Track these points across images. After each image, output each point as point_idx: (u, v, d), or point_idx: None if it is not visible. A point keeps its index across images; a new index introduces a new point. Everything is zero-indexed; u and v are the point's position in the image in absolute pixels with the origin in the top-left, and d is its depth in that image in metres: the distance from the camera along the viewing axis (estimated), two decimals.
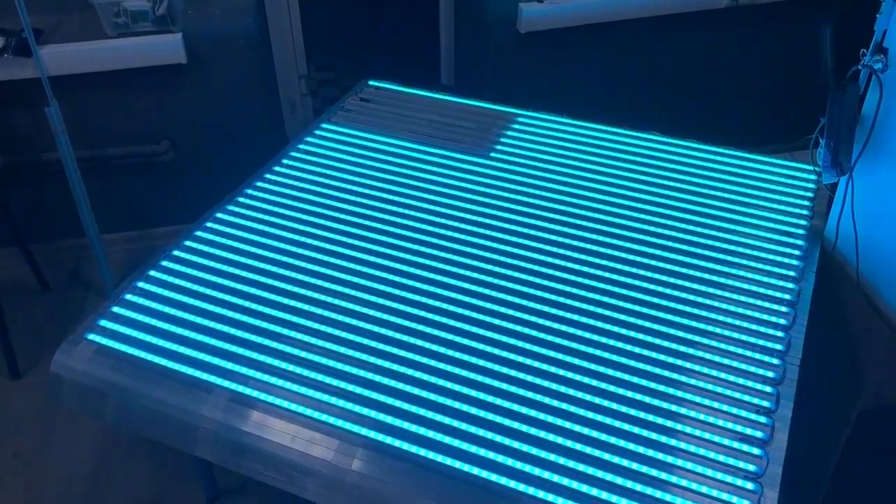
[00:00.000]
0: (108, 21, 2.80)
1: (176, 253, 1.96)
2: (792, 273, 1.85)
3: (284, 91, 3.50)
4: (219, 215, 2.08)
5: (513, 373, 1.62)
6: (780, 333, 1.70)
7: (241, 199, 2.14)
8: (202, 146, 3.20)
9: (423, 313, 1.77)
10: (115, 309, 1.81)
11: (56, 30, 2.84)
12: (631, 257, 1.91)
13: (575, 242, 1.95)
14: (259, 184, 2.20)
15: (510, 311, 1.77)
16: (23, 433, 2.60)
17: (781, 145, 2.52)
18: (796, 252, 1.90)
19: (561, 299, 1.80)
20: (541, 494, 1.41)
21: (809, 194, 2.08)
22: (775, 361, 1.64)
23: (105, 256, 2.93)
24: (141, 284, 1.87)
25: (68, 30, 2.85)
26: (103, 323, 1.78)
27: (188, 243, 1.99)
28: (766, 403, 1.55)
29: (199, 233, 2.02)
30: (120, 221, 3.23)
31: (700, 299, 1.79)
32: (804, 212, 2.02)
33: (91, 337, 1.75)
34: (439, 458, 1.48)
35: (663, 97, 3.38)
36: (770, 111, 3.41)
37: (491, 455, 1.47)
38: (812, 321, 1.79)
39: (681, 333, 1.71)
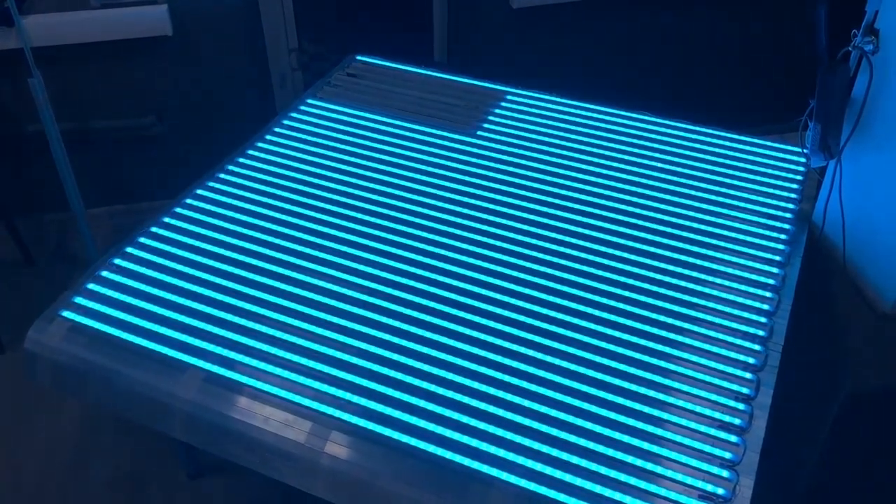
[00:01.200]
0: None
1: (154, 230, 1.93)
2: (777, 258, 1.82)
3: (274, 65, 3.45)
4: (199, 192, 2.05)
5: (491, 356, 1.60)
6: (762, 319, 1.68)
7: (222, 176, 2.11)
8: (189, 120, 3.16)
9: (402, 294, 1.75)
10: (91, 286, 1.79)
11: None
12: (615, 239, 1.88)
13: (558, 224, 1.93)
14: (241, 160, 2.16)
15: (492, 294, 1.74)
16: (3, 407, 2.58)
17: (773, 126, 2.49)
18: (782, 236, 1.87)
19: (542, 281, 1.77)
20: (514, 480, 1.39)
21: (798, 177, 2.05)
22: (757, 348, 1.62)
23: (89, 230, 2.90)
24: (118, 261, 1.85)
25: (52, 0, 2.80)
26: (78, 300, 1.76)
27: (167, 220, 1.96)
28: (745, 390, 1.54)
29: (178, 209, 2.00)
30: (106, 195, 3.20)
31: (683, 283, 1.77)
32: (792, 195, 2.00)
33: (66, 314, 1.73)
34: (415, 442, 1.46)
35: (656, 75, 3.34)
36: (764, 89, 3.37)
37: (467, 440, 1.46)
38: (798, 306, 1.77)
39: (663, 318, 1.69)
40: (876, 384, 1.89)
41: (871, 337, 1.86)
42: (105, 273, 1.82)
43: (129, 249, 1.88)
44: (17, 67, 2.68)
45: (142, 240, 1.90)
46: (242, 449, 1.55)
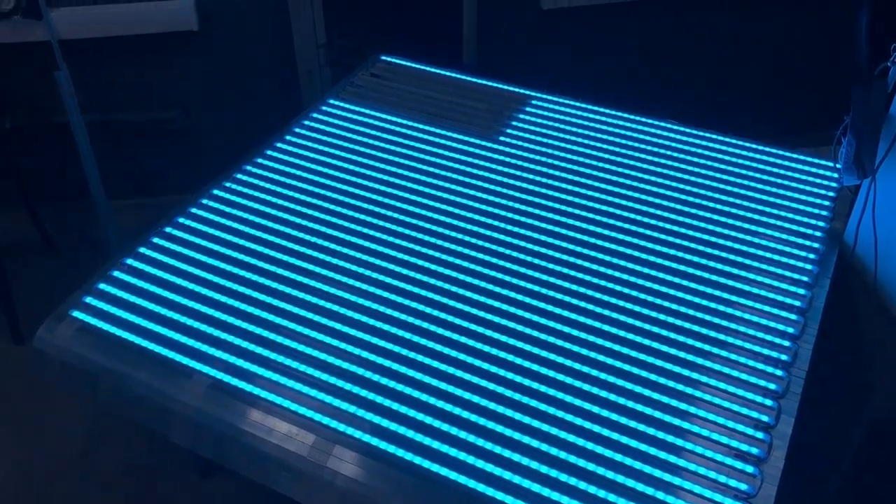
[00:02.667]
0: None
1: (168, 230, 1.91)
2: (805, 278, 1.75)
3: (302, 60, 3.42)
4: (215, 192, 2.03)
5: (508, 374, 1.56)
6: (786, 343, 1.61)
7: (239, 176, 2.08)
8: (214, 114, 3.15)
9: (417, 305, 1.71)
10: (102, 286, 1.78)
11: None
12: (637, 254, 1.82)
13: (579, 236, 1.87)
14: (259, 160, 2.14)
15: (510, 308, 1.69)
16: (20, 397, 2.60)
17: (806, 135, 2.41)
18: (811, 256, 1.80)
19: (560, 296, 1.72)
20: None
21: (831, 194, 1.97)
22: (779, 373, 1.55)
23: (112, 221, 2.91)
24: (130, 261, 1.83)
25: None
26: (89, 300, 1.74)
27: (181, 220, 1.94)
28: (765, 418, 1.47)
29: (193, 209, 1.98)
30: (129, 187, 3.20)
31: (704, 302, 1.70)
32: (823, 212, 1.92)
33: (76, 314, 1.72)
34: (421, 461, 1.42)
35: (690, 80, 3.26)
36: (802, 99, 3.27)
37: (470, 459, 1.42)
38: (825, 328, 1.70)
39: (682, 338, 1.63)
40: None
41: None
42: (117, 273, 1.81)
43: (142, 250, 1.86)
44: (44, 59, 2.68)
45: (155, 240, 1.89)
46: (245, 459, 1.53)
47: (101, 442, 2.47)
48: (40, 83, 2.82)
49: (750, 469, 1.39)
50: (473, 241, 1.86)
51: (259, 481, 1.53)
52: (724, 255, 1.81)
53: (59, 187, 3.15)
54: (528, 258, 1.82)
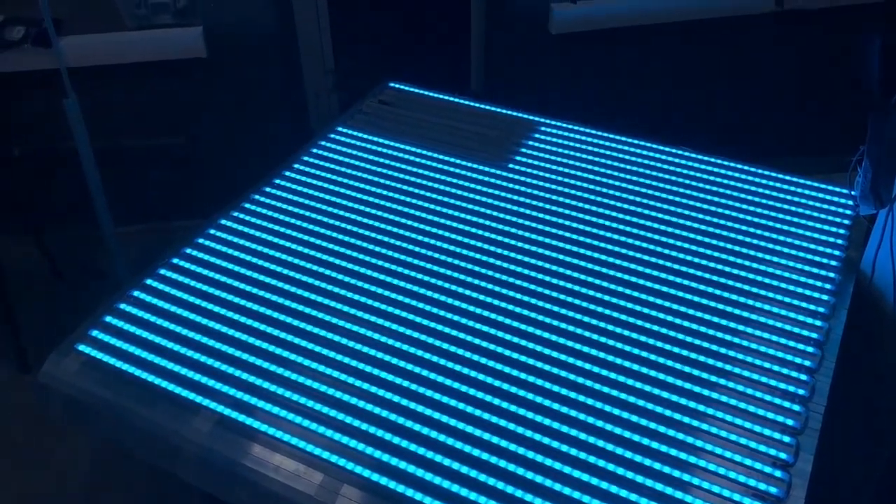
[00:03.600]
0: (128, 12, 2.75)
1: (175, 261, 1.90)
2: (821, 309, 1.72)
3: (310, 86, 3.42)
4: (223, 221, 2.01)
5: (514, 408, 1.53)
6: (804, 377, 1.58)
7: (247, 206, 2.07)
8: (222, 141, 3.15)
9: (424, 336, 1.68)
10: (109, 318, 1.76)
11: (75, 20, 2.80)
12: (647, 283, 1.79)
13: (588, 265, 1.85)
14: (267, 189, 2.12)
15: (514, 339, 1.67)
16: (25, 429, 2.57)
17: (821, 162, 2.38)
18: (827, 286, 1.77)
19: (567, 326, 1.69)
20: None
21: (846, 222, 1.94)
22: (797, 408, 1.52)
23: (118, 249, 2.90)
24: (137, 293, 1.81)
25: (88, 21, 2.80)
26: (95, 333, 1.73)
27: (188, 251, 1.92)
28: (783, 455, 1.44)
29: (200, 240, 1.96)
30: (137, 214, 3.20)
31: (719, 334, 1.67)
32: (839, 241, 1.89)
33: (81, 347, 1.70)
34: (429, 500, 1.39)
35: (699, 106, 3.24)
36: (813, 126, 3.24)
37: (473, 495, 1.39)
38: (842, 362, 1.67)
39: (696, 372, 1.59)
40: None
41: None
42: (123, 305, 1.79)
43: (149, 281, 1.84)
44: (52, 87, 2.68)
45: (162, 271, 1.87)
46: (251, 497, 1.50)
47: (106, 478, 2.43)
48: (49, 111, 2.82)
49: None
50: (482, 270, 1.84)
51: None
52: (736, 284, 1.78)
53: (66, 215, 3.15)
54: (536, 287, 1.79)
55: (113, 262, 2.93)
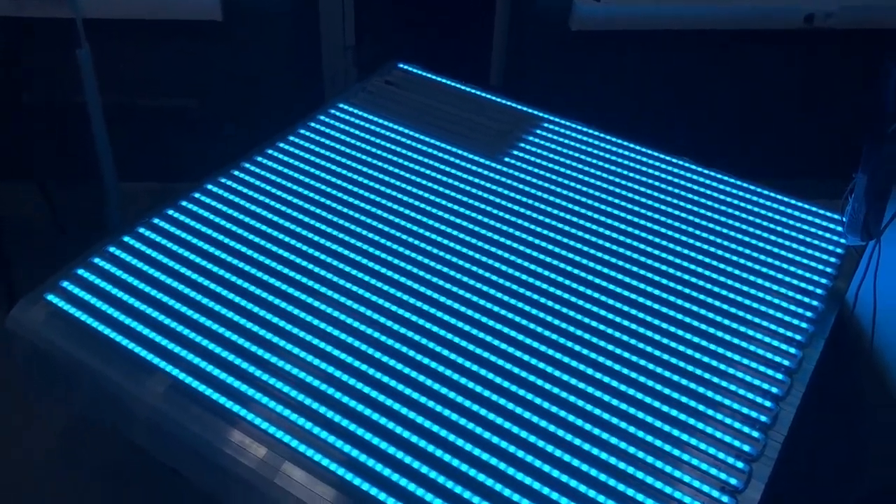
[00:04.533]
0: None
1: (155, 221, 1.89)
2: (798, 337, 1.68)
3: (328, 60, 3.40)
4: (209, 186, 2.01)
5: (485, 412, 1.50)
6: (768, 404, 1.54)
7: (236, 173, 2.06)
8: (232, 106, 3.14)
9: (397, 327, 1.66)
10: (80, 271, 1.76)
11: None
12: (626, 293, 1.76)
13: (565, 267, 1.82)
14: (258, 158, 2.11)
15: (486, 338, 1.64)
16: (8, 377, 2.58)
17: (829, 185, 2.33)
18: (808, 314, 1.73)
19: (539, 329, 1.67)
20: None
21: (838, 251, 1.89)
22: (756, 435, 1.48)
23: (118, 204, 2.90)
24: (112, 249, 1.82)
25: None
26: (65, 284, 1.73)
27: (170, 212, 1.92)
28: (733, 481, 1.41)
29: (183, 202, 1.95)
30: (142, 171, 3.19)
31: (688, 351, 1.64)
32: (828, 269, 1.84)
33: (49, 297, 1.70)
34: (375, 491, 1.38)
35: (714, 117, 3.18)
36: (822, 147, 3.16)
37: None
38: (818, 392, 1.63)
39: (658, 386, 1.56)
40: (893, 486, 1.74)
41: (891, 435, 1.70)
42: (97, 260, 1.79)
43: (126, 238, 1.84)
44: (66, 37, 2.68)
45: (141, 230, 1.87)
46: (199, 467, 1.49)
47: (83, 432, 2.44)
48: (61, 61, 2.82)
49: None
50: (462, 263, 1.82)
51: (208, 491, 1.49)
52: (714, 302, 1.75)
53: (72, 168, 3.16)
54: (508, 283, 1.76)
55: (114, 218, 2.94)
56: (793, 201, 2.03)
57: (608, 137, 2.23)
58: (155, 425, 1.52)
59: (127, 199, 2.97)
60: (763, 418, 1.51)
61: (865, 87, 2.90)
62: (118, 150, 2.87)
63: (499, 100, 2.38)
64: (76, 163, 3.12)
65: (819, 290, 1.78)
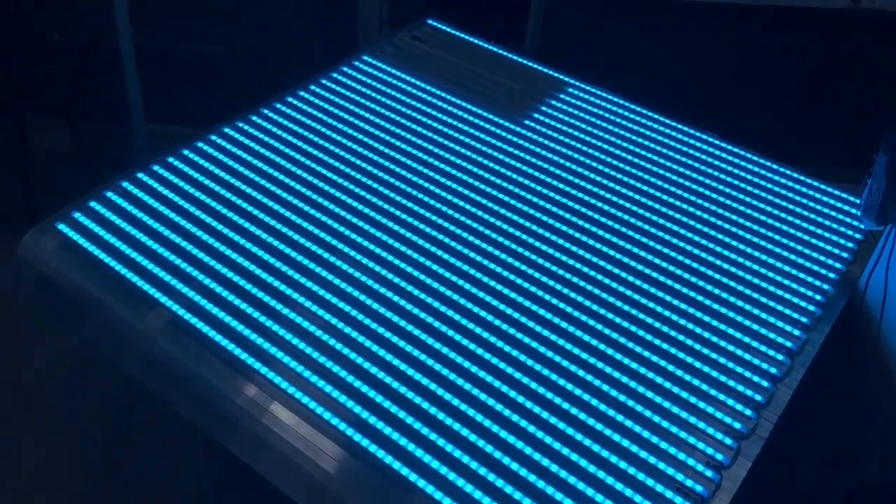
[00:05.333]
0: None
1: (170, 160, 1.91)
2: (804, 319, 1.64)
3: (363, 11, 3.37)
4: (226, 130, 2.02)
5: (498, 384, 1.48)
6: (764, 383, 1.52)
7: (254, 118, 2.06)
8: (264, 54, 3.14)
9: (397, 280, 1.66)
10: (92, 204, 1.78)
11: None
12: (635, 264, 1.74)
13: (574, 233, 1.80)
14: (278, 105, 2.11)
15: (493, 302, 1.63)
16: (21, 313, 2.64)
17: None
18: (817, 297, 1.69)
19: (545, 296, 1.65)
20: None
21: (857, 236, 1.85)
22: (748, 413, 1.47)
23: (147, 144, 2.94)
24: (125, 184, 1.83)
25: None
26: (76, 215, 1.75)
27: (185, 152, 1.93)
28: (719, 456, 1.39)
29: (199, 143, 1.96)
30: (169, 115, 3.21)
31: (691, 326, 1.61)
32: (843, 254, 1.80)
33: (61, 227, 1.73)
34: (365, 442, 1.39)
35: (751, 95, 3.10)
36: (851, 133, 3.08)
37: (425, 457, 1.38)
38: (819, 376, 1.60)
39: (655, 358, 1.55)
40: (892, 478, 1.71)
41: (893, 426, 1.67)
42: (109, 194, 1.81)
43: (140, 175, 1.86)
44: None
45: (155, 168, 1.88)
46: (191, 403, 1.51)
47: (95, 361, 2.49)
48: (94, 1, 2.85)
49: None
50: (470, 223, 1.81)
51: (206, 431, 1.51)
52: (724, 280, 1.72)
53: (101, 107, 3.20)
54: (517, 247, 1.75)
55: (141, 159, 2.97)
56: (815, 183, 1.98)
57: (631, 106, 2.19)
58: (151, 358, 1.54)
59: (153, 138, 3.00)
60: (758, 397, 1.49)
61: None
62: (148, 92, 2.90)
63: (524, 62, 2.34)
64: (106, 102, 3.16)
65: (831, 274, 1.74)
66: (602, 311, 1.63)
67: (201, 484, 2.22)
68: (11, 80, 2.80)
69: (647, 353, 1.55)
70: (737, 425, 1.44)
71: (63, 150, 3.12)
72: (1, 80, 2.77)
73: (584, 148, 2.04)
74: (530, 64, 2.34)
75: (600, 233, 1.81)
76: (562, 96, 2.22)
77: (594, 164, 1.99)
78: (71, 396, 2.42)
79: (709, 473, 1.37)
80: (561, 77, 2.30)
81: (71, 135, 3.06)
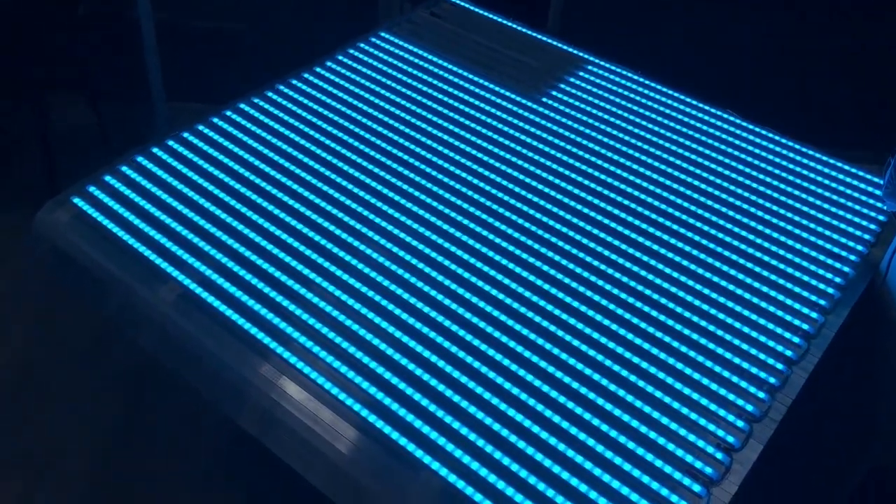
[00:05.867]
0: None
1: (184, 135, 1.91)
2: (822, 302, 1.61)
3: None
4: (241, 105, 2.01)
5: (515, 367, 1.47)
6: (780, 366, 1.49)
7: (269, 94, 2.05)
8: (285, 31, 3.13)
9: (421, 265, 1.65)
10: (107, 178, 1.79)
11: None
12: (650, 244, 1.71)
13: (592, 214, 1.77)
14: (293, 81, 2.10)
15: (508, 283, 1.61)
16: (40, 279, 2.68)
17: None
18: (837, 279, 1.66)
19: (558, 275, 1.64)
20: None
21: (880, 217, 1.80)
22: (762, 396, 1.44)
23: (164, 121, 2.95)
24: (140, 159, 1.84)
25: None
26: (91, 189, 1.76)
27: (200, 127, 1.93)
28: (730, 439, 1.37)
29: (215, 119, 1.96)
30: (191, 92, 3.22)
31: (704, 306, 1.59)
32: (865, 236, 1.76)
33: (75, 200, 1.74)
34: (373, 418, 1.39)
35: (775, 73, 3.04)
36: (889, 111, 3.01)
37: (424, 428, 1.38)
38: (837, 360, 1.57)
39: (667, 339, 1.52)
40: None
41: None
42: (124, 168, 1.81)
43: (154, 150, 1.86)
44: None
45: (170, 143, 1.88)
46: (202, 377, 1.52)
47: (109, 336, 2.52)
48: None
49: (697, 489, 1.30)
50: (487, 202, 1.79)
51: (216, 404, 1.52)
52: (741, 261, 1.69)
53: (123, 82, 3.21)
54: (534, 228, 1.73)
55: (159, 134, 2.98)
56: (837, 163, 1.93)
57: (652, 84, 2.16)
58: (164, 331, 1.55)
59: (174, 115, 3.01)
60: (772, 380, 1.47)
61: None
62: (169, 68, 2.90)
63: (544, 38, 2.31)
64: (127, 78, 3.17)
65: (852, 256, 1.71)
66: (615, 291, 1.61)
67: (219, 452, 2.25)
68: (32, 57, 2.82)
69: (660, 335, 1.53)
70: (749, 408, 1.42)
71: (86, 127, 3.15)
72: (22, 57, 2.79)
73: (604, 127, 2.01)
74: (550, 41, 2.31)
75: (615, 212, 1.78)
76: (582, 74, 2.19)
77: (614, 144, 1.96)
78: (89, 368, 2.45)
79: (719, 456, 1.35)
80: (581, 54, 2.26)
81: (93, 112, 3.08)
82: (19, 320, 2.57)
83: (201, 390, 1.53)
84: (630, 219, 1.77)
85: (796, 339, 1.54)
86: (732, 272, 1.66)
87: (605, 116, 2.04)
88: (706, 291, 1.62)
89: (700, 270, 1.66)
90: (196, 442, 2.28)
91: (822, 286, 1.64)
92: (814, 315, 1.58)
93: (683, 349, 1.51)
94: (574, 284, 1.61)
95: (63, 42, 2.88)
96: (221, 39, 3.15)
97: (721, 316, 1.58)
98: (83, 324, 2.55)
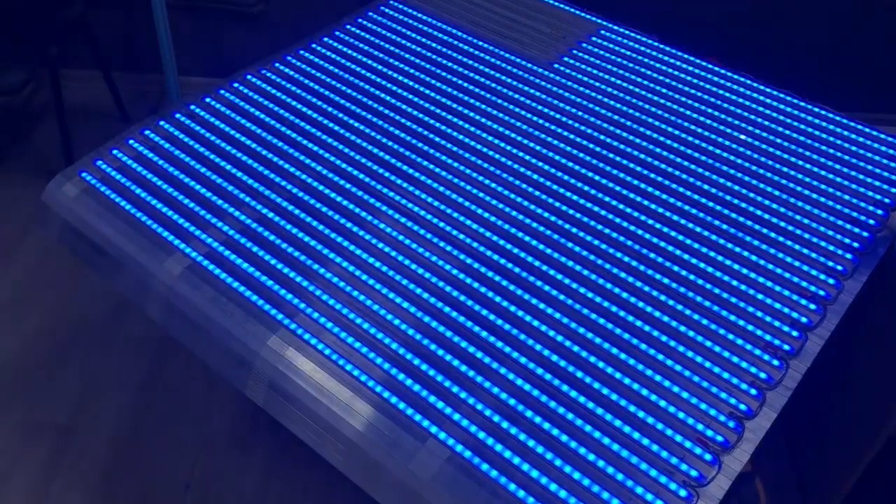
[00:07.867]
0: None
1: (191, 107, 1.90)
2: (839, 267, 1.57)
3: None
4: (249, 77, 1.99)
5: (531, 342, 1.46)
6: (795, 333, 1.46)
7: (277, 65, 2.03)
8: (295, 5, 3.10)
9: (421, 231, 1.63)
10: (115, 152, 1.78)
11: None
12: (667, 213, 1.67)
13: (606, 181, 1.74)
14: (302, 52, 2.08)
15: (523, 255, 1.59)
16: (62, 256, 2.70)
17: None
18: (855, 244, 1.61)
19: (569, 244, 1.61)
20: None
21: None
22: (776, 363, 1.41)
23: (179, 95, 2.94)
24: (147, 133, 1.83)
25: None
26: (99, 163, 1.76)
27: (208, 99, 1.92)
28: (742, 407, 1.35)
29: (222, 91, 1.95)
30: (202, 66, 3.22)
31: (718, 273, 1.55)
32: (885, 199, 1.71)
33: (83, 174, 1.74)
34: (379, 389, 1.38)
35: (793, 34, 2.95)
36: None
37: (424, 400, 1.36)
38: (856, 328, 1.53)
39: (679, 307, 1.49)
40: None
41: None
42: (132, 142, 1.81)
43: (162, 123, 1.85)
44: None
45: (178, 115, 1.87)
46: (209, 350, 1.52)
47: (125, 307, 2.54)
48: None
49: (707, 457, 1.28)
50: (499, 172, 1.76)
51: (218, 372, 1.52)
52: (756, 227, 1.65)
53: (138, 57, 3.21)
54: (547, 198, 1.70)
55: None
56: (856, 125, 1.88)
57: (667, 48, 2.11)
58: (169, 303, 1.55)
59: (185, 90, 3.00)
60: (786, 347, 1.43)
61: None
62: (181, 43, 2.89)
63: (555, 3, 2.27)
64: (143, 53, 3.17)
65: (871, 221, 1.66)
66: (627, 259, 1.58)
67: (237, 419, 2.28)
68: (46, 30, 2.82)
69: (671, 302, 1.50)
70: (762, 375, 1.39)
71: (102, 101, 3.16)
72: (38, 32, 2.79)
73: (618, 93, 1.97)
74: (561, 6, 2.26)
75: (628, 178, 1.75)
76: (594, 39, 2.15)
77: (628, 110, 1.92)
78: (106, 340, 2.48)
79: (731, 424, 1.32)
80: (594, 19, 2.22)
81: (108, 87, 3.08)
82: (42, 293, 2.60)
83: (208, 362, 1.53)
84: (643, 185, 1.73)
85: (812, 306, 1.50)
86: (747, 238, 1.62)
87: (619, 83, 2.00)
88: (720, 258, 1.59)
89: (713, 237, 1.63)
90: (219, 407, 2.31)
91: (839, 251, 1.60)
92: (831, 281, 1.55)
93: (696, 317, 1.48)
94: (584, 253, 1.58)
95: (74, 18, 2.87)
96: (233, 14, 3.12)
97: (734, 282, 1.54)
98: (98, 294, 2.58)
